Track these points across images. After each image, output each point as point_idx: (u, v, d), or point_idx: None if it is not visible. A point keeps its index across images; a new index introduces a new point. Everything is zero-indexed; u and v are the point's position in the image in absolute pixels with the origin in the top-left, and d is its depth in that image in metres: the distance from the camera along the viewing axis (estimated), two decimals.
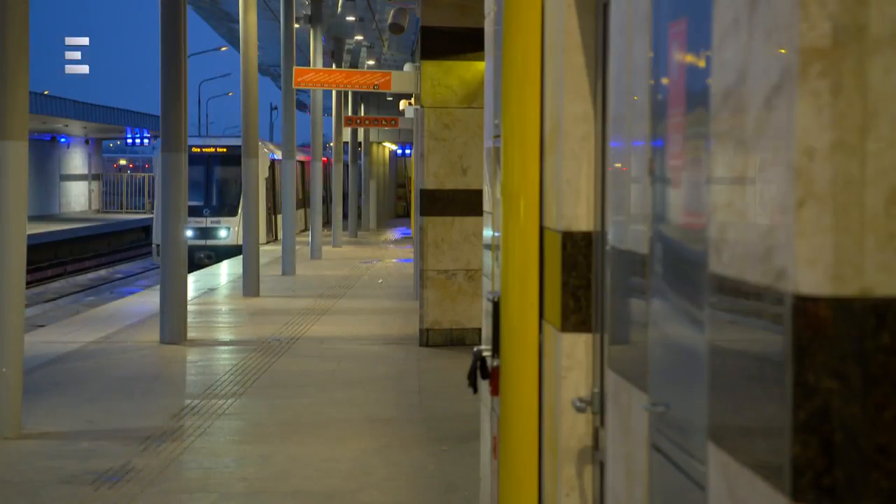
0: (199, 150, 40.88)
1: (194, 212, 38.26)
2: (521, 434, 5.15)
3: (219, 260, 37.88)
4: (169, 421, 11.99)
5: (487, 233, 6.98)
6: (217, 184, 41.57)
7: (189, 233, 37.34)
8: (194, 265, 36.29)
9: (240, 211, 36.84)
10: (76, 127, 65.27)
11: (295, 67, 25.76)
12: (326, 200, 53.02)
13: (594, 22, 4.85)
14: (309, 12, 34.27)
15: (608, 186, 4.46)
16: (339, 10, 34.05)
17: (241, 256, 26.35)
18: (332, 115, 48.54)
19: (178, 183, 17.31)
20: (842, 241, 2.40)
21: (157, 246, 37.57)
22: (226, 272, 30.60)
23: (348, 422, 12.07)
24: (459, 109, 17.27)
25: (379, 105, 61.76)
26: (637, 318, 3.91)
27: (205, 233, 40.80)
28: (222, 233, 40.97)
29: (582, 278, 4.84)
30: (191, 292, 22.11)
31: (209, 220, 40.85)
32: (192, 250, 38.13)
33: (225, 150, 41.28)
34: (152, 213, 48.79)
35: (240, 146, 27.33)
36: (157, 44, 17.16)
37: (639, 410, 3.81)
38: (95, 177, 79.09)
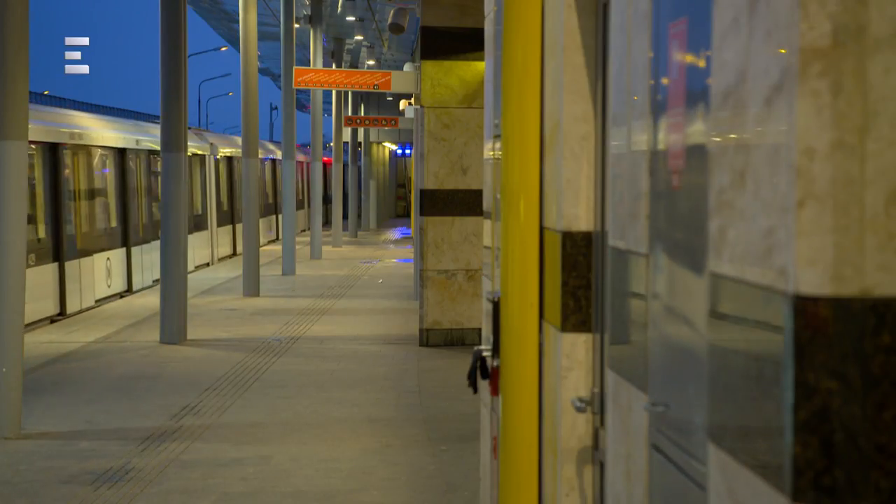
0: None
1: None
2: (521, 434, 5.14)
3: None
4: (169, 421, 11.99)
5: (487, 233, 6.98)
6: None
7: None
8: None
9: None
10: None
11: (295, 67, 25.75)
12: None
13: (594, 22, 4.85)
14: (309, 12, 34.27)
15: (608, 186, 4.45)
16: (339, 10, 34.03)
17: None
18: (332, 115, 48.50)
19: (178, 184, 17.31)
20: (842, 241, 2.40)
21: None
22: None
23: (348, 422, 12.07)
24: (459, 109, 17.27)
25: (379, 105, 61.74)
26: (637, 318, 3.91)
27: None
28: None
29: (582, 278, 4.84)
30: None
31: None
32: None
33: None
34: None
35: None
36: (157, 44, 17.16)
37: (639, 410, 3.81)
38: None
